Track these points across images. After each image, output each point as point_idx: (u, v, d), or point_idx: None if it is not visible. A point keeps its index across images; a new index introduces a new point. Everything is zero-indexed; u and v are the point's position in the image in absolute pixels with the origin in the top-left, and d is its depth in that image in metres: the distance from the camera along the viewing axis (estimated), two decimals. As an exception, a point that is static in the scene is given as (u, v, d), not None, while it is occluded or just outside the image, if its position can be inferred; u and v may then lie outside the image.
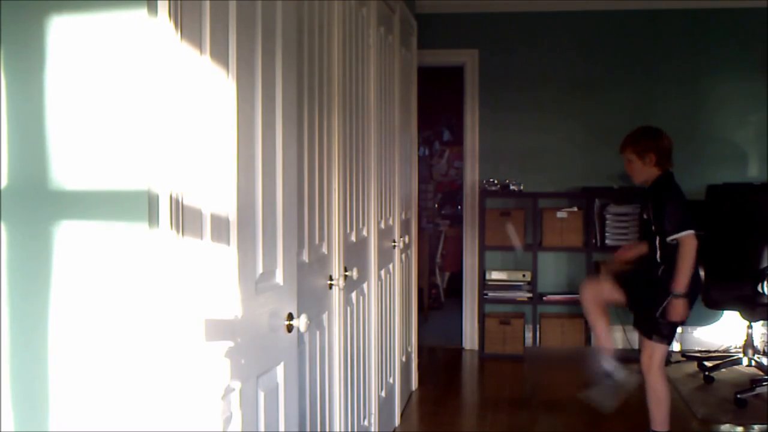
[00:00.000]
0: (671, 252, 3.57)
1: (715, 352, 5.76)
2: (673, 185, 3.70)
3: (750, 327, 5.16)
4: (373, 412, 3.64)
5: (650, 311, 3.66)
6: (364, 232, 3.52)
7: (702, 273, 4.97)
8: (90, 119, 1.39)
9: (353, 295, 3.26)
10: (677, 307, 3.53)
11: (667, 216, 3.58)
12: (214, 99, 1.64)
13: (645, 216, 3.77)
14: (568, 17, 6.00)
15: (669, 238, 3.57)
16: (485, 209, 5.85)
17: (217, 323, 1.65)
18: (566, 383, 5.25)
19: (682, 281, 3.52)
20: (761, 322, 5.32)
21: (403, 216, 4.61)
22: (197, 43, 1.56)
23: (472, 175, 6.13)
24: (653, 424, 3.76)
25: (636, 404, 4.16)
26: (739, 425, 4.29)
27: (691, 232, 3.52)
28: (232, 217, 1.72)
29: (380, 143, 3.82)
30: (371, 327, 3.62)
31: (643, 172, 3.75)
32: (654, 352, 3.67)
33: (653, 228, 3.66)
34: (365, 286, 3.52)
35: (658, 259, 3.66)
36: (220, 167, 1.67)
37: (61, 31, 1.39)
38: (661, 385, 3.69)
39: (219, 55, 1.65)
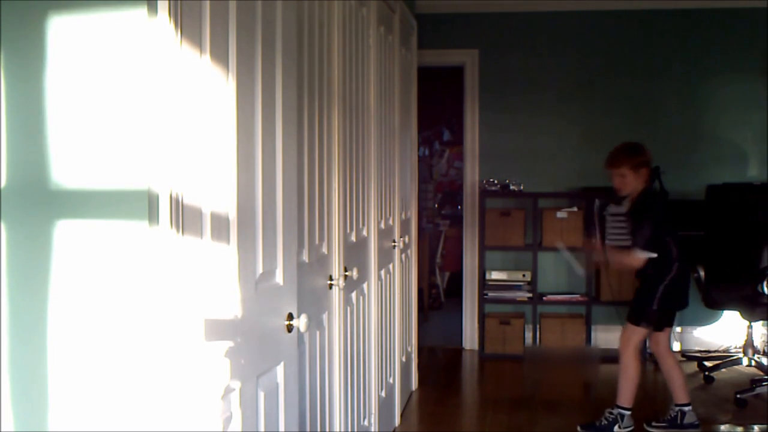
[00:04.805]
0: (657, 251, 3.90)
1: (715, 352, 5.76)
2: (654, 202, 4.04)
3: (750, 327, 5.15)
4: (373, 412, 3.65)
5: (643, 301, 4.00)
6: (364, 232, 3.52)
7: (702, 273, 4.99)
8: (90, 119, 1.39)
9: (353, 295, 3.26)
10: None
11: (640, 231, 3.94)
12: (214, 99, 1.64)
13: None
14: (568, 17, 6.00)
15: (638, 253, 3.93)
16: (485, 209, 5.84)
17: (217, 323, 1.65)
18: (566, 383, 5.25)
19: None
20: (761, 322, 5.32)
21: (403, 216, 4.61)
22: (197, 43, 1.56)
23: (472, 175, 6.13)
24: (618, 399, 4.09)
25: (635, 404, 4.15)
26: (739, 425, 4.29)
27: (647, 253, 3.90)
28: (232, 217, 1.72)
29: (380, 143, 3.82)
30: (371, 327, 3.62)
31: (635, 185, 3.98)
32: (634, 335, 4.05)
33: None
34: (365, 286, 3.52)
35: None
36: (220, 167, 1.67)
37: (61, 31, 1.39)
38: (632, 365, 4.04)
39: (219, 55, 1.65)
